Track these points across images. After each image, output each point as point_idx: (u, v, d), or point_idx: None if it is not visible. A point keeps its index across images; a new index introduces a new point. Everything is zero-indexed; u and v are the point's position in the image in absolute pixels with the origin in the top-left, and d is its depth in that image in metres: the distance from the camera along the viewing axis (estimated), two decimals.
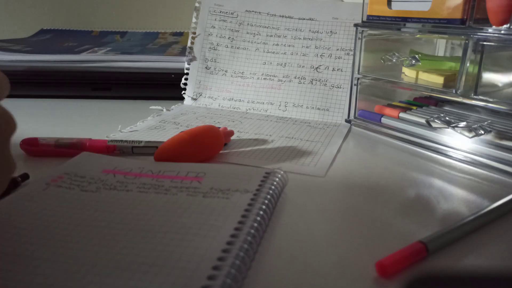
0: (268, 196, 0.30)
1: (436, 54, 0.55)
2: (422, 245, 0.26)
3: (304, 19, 0.62)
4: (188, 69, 0.63)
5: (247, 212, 0.28)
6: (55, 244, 0.24)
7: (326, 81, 0.58)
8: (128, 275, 0.21)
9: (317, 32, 0.61)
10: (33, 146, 0.41)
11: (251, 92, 0.61)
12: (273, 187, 0.32)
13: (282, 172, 0.35)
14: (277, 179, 0.33)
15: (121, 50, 0.72)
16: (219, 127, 0.43)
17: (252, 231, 0.26)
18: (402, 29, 0.48)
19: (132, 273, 0.22)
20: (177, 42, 0.82)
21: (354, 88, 0.54)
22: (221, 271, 0.22)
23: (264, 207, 0.29)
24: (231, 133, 0.45)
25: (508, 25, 0.39)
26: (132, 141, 0.41)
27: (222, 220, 0.27)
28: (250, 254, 0.25)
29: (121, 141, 0.41)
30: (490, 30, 0.40)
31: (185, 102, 0.63)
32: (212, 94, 0.62)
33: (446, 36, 0.49)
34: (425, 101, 0.54)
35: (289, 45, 0.61)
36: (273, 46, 0.62)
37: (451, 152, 0.44)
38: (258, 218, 0.27)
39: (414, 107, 0.52)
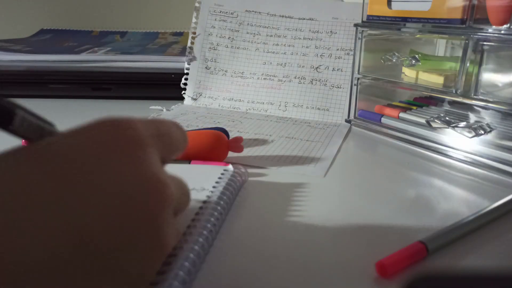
0: (227, 192, 0.31)
1: (436, 54, 0.55)
2: (422, 245, 0.26)
3: (304, 19, 0.62)
4: (188, 69, 0.63)
5: (201, 210, 0.28)
6: None
7: (326, 81, 0.58)
8: None
9: (317, 32, 0.61)
10: None
11: (251, 92, 0.61)
12: (231, 182, 0.32)
13: (242, 168, 0.35)
14: (236, 175, 0.34)
15: (121, 50, 0.72)
16: (228, 137, 0.43)
17: (209, 225, 0.26)
18: (402, 29, 0.48)
19: None
20: (177, 42, 0.82)
21: (354, 88, 0.54)
22: (171, 266, 0.21)
23: (222, 202, 0.29)
24: (239, 147, 0.40)
25: (508, 25, 0.39)
26: None
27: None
28: (205, 248, 0.25)
29: None
30: (490, 30, 0.40)
31: (185, 102, 0.63)
32: (212, 94, 0.62)
33: (446, 36, 0.49)
34: (425, 101, 0.54)
35: (289, 45, 0.61)
36: (273, 46, 0.62)
37: (451, 152, 0.44)
38: (215, 213, 0.28)
39: (414, 107, 0.52)
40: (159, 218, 0.19)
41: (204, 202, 0.29)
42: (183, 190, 0.24)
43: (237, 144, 0.40)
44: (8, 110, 0.16)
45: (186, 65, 0.63)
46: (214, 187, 0.31)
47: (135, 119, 0.20)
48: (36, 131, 0.18)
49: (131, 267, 0.17)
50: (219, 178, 0.33)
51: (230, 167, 0.35)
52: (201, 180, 0.32)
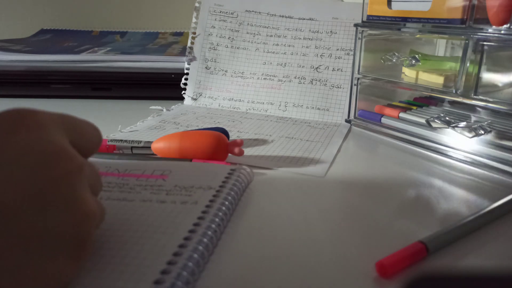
0: (232, 193, 0.31)
1: (436, 54, 0.55)
2: (422, 245, 0.26)
3: (304, 19, 0.62)
4: (188, 69, 0.63)
5: (208, 208, 0.28)
6: None
7: (326, 81, 0.58)
8: (83, 273, 0.22)
9: (317, 32, 0.61)
10: None
11: (251, 92, 0.61)
12: (237, 183, 0.32)
13: (248, 169, 0.35)
14: (241, 175, 0.34)
15: (121, 50, 0.72)
16: (229, 139, 0.42)
17: (213, 225, 0.26)
18: (402, 29, 0.48)
19: (87, 271, 0.22)
20: (177, 42, 0.82)
21: (354, 88, 0.54)
22: (175, 265, 0.22)
23: (226, 202, 0.29)
24: (240, 150, 0.40)
25: (508, 25, 0.39)
26: (132, 141, 0.41)
27: (182, 217, 0.27)
28: (210, 248, 0.25)
29: (121, 140, 0.41)
30: (490, 30, 0.40)
31: (185, 102, 0.63)
32: (212, 94, 0.62)
33: (446, 36, 0.49)
34: (425, 101, 0.54)
35: (289, 45, 0.61)
36: (273, 46, 0.62)
37: (451, 152, 0.44)
38: (220, 214, 0.28)
39: (414, 107, 0.52)
40: (64, 179, 0.20)
41: (210, 201, 0.29)
42: (95, 173, 0.25)
43: (236, 147, 0.39)
44: None
45: (186, 65, 0.63)
46: (221, 186, 0.31)
47: (38, 109, 0.22)
48: None
49: (52, 227, 0.19)
50: (226, 177, 0.33)
51: (237, 167, 0.35)
52: (207, 179, 0.32)
